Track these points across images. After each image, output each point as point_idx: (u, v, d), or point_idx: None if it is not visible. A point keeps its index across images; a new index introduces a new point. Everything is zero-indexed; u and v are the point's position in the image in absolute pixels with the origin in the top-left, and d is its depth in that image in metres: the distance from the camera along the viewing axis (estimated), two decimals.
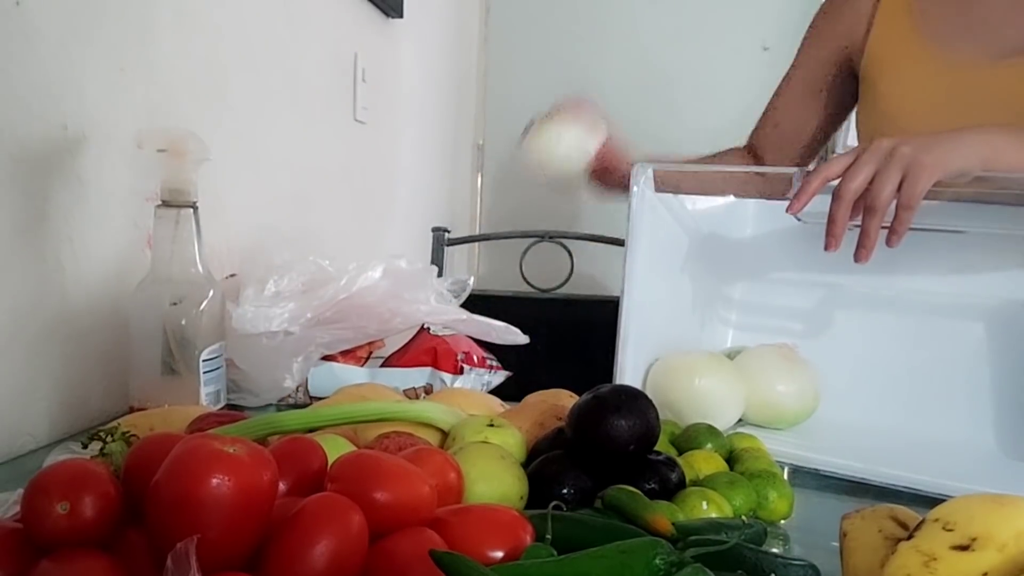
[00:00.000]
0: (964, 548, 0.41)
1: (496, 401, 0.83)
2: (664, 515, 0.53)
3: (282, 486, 0.47)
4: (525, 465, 0.63)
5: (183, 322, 0.81)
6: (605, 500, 0.56)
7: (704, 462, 0.68)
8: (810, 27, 1.21)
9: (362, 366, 0.99)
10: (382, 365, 1.01)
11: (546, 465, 0.63)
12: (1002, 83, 0.97)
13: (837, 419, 0.92)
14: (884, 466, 0.77)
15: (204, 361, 0.82)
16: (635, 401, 0.62)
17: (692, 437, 0.74)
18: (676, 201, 0.95)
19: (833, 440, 0.83)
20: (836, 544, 0.52)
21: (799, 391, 0.92)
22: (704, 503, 0.59)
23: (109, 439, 0.53)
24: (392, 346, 1.04)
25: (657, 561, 0.45)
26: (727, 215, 1.02)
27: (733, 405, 0.89)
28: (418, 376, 0.98)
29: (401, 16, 1.78)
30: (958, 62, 1.00)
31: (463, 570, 0.41)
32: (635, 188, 0.86)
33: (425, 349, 1.00)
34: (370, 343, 1.00)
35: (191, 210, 0.81)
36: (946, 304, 0.92)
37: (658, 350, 0.94)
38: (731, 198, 1.02)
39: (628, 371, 0.87)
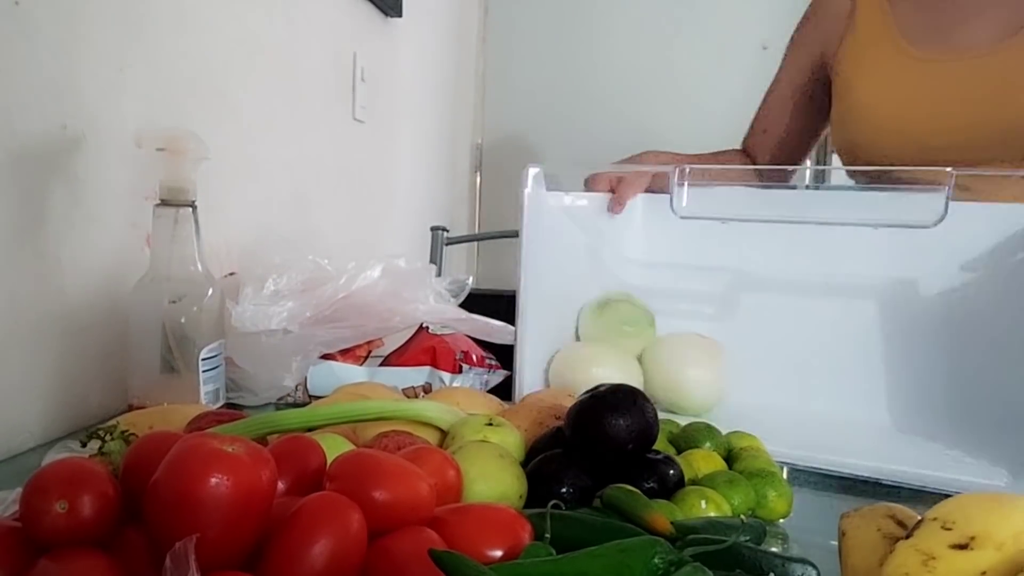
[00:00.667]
0: (963, 547, 0.41)
1: (495, 400, 0.83)
2: (663, 514, 0.53)
3: (281, 485, 0.47)
4: (524, 464, 0.63)
5: (182, 320, 0.81)
6: (604, 499, 0.56)
7: (703, 461, 0.68)
8: (793, 34, 1.27)
9: (361, 365, 0.99)
10: (381, 364, 1.01)
11: (545, 464, 0.63)
12: (965, 77, 1.03)
13: (744, 402, 0.95)
14: (785, 447, 0.79)
15: (203, 359, 0.82)
16: (634, 400, 0.63)
17: (691, 436, 0.74)
18: (568, 198, 0.99)
19: (738, 422, 0.83)
20: (835, 543, 0.52)
21: (706, 377, 0.94)
22: (703, 502, 0.59)
23: (108, 438, 0.53)
24: (391, 345, 1.04)
25: (656, 560, 0.45)
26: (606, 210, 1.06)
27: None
28: (417, 375, 0.98)
29: (400, 16, 1.78)
30: (928, 58, 1.06)
31: (462, 569, 0.41)
32: (526, 188, 0.89)
33: (424, 348, 1.00)
34: (369, 342, 1.00)
35: (190, 209, 0.81)
36: (836, 288, 0.97)
37: (560, 342, 0.98)
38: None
39: (528, 363, 0.91)
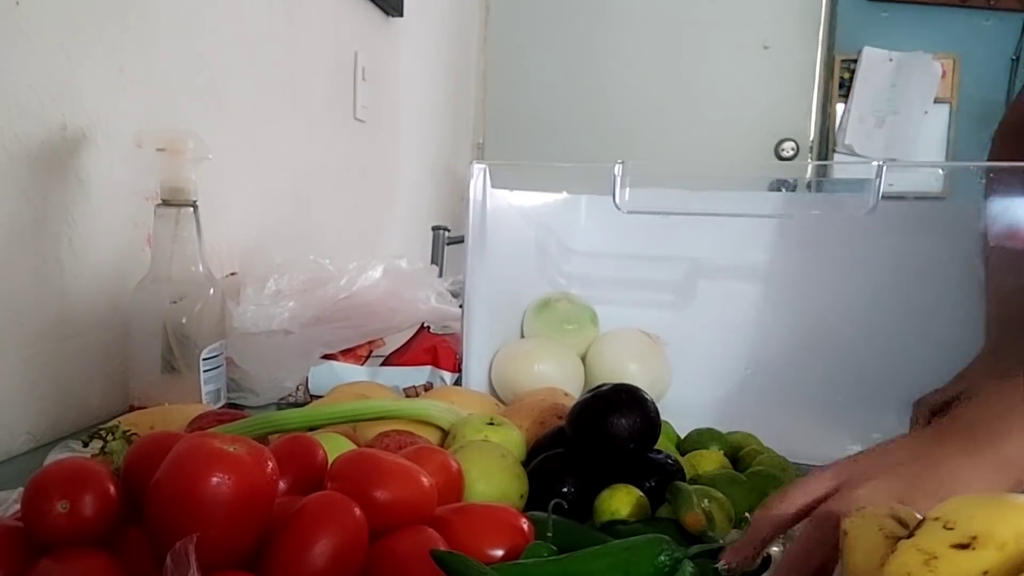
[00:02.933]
0: (964, 547, 0.41)
1: (490, 398, 0.83)
2: (699, 513, 0.53)
3: (282, 485, 0.47)
4: (525, 463, 0.63)
5: (183, 320, 0.81)
6: (668, 489, 0.57)
7: (705, 460, 0.68)
8: None
9: (362, 364, 0.99)
10: (382, 364, 1.01)
11: (546, 463, 0.62)
12: None
13: (688, 397, 0.96)
14: None
15: (204, 360, 0.82)
16: (636, 400, 0.62)
17: (695, 440, 0.74)
18: (515, 196, 0.99)
19: (684, 417, 0.84)
20: None
21: (647, 372, 0.95)
22: (706, 500, 0.59)
23: (110, 437, 0.53)
24: (392, 345, 1.04)
25: (662, 558, 0.45)
26: (563, 209, 1.07)
27: (572, 386, 0.92)
28: (418, 375, 0.98)
29: (401, 15, 1.78)
30: None
31: (464, 569, 0.41)
32: (473, 185, 0.90)
33: (426, 348, 1.00)
34: (370, 342, 1.00)
35: (191, 209, 0.81)
36: (776, 281, 1.01)
37: (507, 339, 0.99)
38: (564, 193, 1.07)
39: (474, 359, 0.93)
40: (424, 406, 0.70)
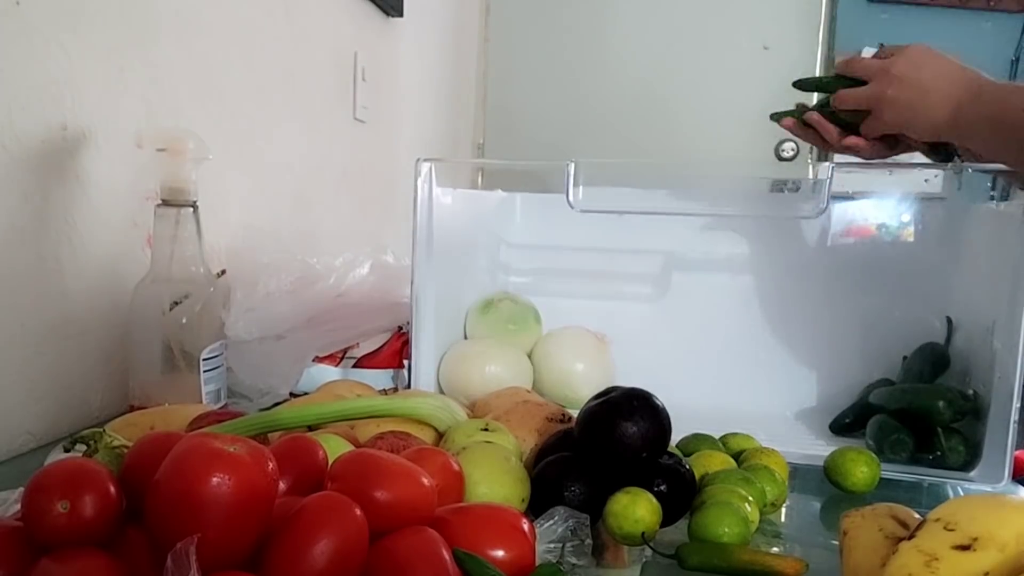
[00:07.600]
0: (965, 548, 0.41)
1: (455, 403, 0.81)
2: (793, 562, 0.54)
3: (282, 485, 0.47)
4: (527, 467, 0.63)
5: (184, 321, 0.81)
6: None
7: (712, 461, 0.68)
8: None
9: (337, 366, 0.99)
10: (354, 366, 1.00)
11: (551, 467, 0.62)
12: None
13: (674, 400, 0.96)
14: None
15: (204, 360, 0.82)
16: (648, 406, 0.61)
17: (691, 446, 0.74)
18: (459, 195, 0.98)
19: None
20: (836, 543, 0.52)
21: (594, 371, 0.96)
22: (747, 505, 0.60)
23: (92, 443, 0.53)
24: (371, 346, 1.03)
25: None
26: (498, 208, 1.08)
27: (524, 386, 0.93)
28: (386, 378, 0.97)
29: (401, 15, 1.78)
30: None
31: (483, 572, 0.42)
32: (419, 183, 0.89)
33: (395, 350, 0.99)
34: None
35: (191, 209, 0.81)
36: (727, 285, 1.02)
37: (453, 339, 0.99)
38: (500, 192, 1.08)
39: (423, 360, 0.92)
40: (417, 404, 0.70)
